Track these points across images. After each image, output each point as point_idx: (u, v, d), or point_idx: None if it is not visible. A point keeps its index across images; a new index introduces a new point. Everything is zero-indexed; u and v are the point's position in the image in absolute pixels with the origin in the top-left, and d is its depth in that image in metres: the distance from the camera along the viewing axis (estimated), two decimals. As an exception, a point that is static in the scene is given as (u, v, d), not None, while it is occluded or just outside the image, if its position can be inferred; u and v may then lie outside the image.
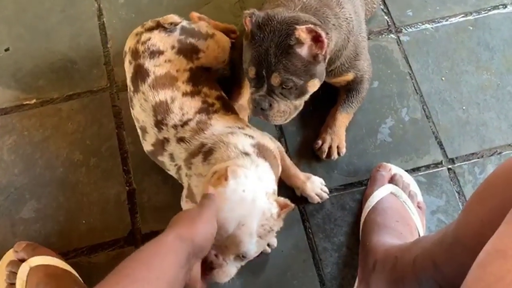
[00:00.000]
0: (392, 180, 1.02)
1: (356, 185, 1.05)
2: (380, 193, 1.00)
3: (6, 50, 1.21)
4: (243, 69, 0.85)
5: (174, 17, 0.93)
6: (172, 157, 0.84)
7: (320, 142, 1.03)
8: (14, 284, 0.91)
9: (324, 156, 1.03)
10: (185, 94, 0.87)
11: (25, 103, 1.15)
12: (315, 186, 1.00)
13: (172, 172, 0.88)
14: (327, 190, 1.03)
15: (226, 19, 1.22)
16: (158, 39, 0.90)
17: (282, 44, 0.79)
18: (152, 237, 0.96)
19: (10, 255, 0.96)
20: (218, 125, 0.83)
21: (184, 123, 0.83)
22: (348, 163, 1.05)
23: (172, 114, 0.83)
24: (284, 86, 0.82)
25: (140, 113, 0.88)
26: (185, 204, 0.88)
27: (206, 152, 0.79)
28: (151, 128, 0.86)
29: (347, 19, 0.90)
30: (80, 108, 1.12)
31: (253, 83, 0.84)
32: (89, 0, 1.26)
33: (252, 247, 0.67)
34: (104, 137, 1.09)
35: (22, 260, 0.93)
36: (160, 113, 0.84)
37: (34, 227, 1.02)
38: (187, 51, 0.91)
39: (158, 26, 0.93)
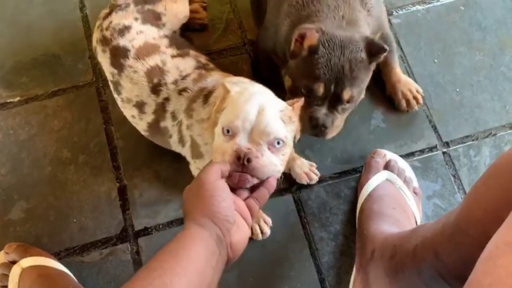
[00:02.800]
0: (387, 166, 1.01)
1: (350, 173, 1.04)
2: (375, 180, 0.98)
3: (-14, 47, 1.18)
4: (297, 85, 0.83)
5: None
6: (173, 115, 0.84)
7: (402, 99, 1.03)
8: (6, 286, 0.89)
9: (415, 107, 1.05)
10: (174, 56, 0.88)
11: (8, 101, 1.12)
12: (304, 165, 0.99)
13: (174, 136, 0.87)
14: (317, 172, 1.02)
15: (212, 5, 1.19)
16: (119, 18, 0.92)
17: (354, 60, 0.80)
18: (145, 234, 1.02)
19: (0, 257, 0.93)
20: (217, 75, 0.85)
21: (184, 77, 0.85)
22: (342, 150, 1.04)
23: (169, 73, 0.85)
24: (349, 101, 0.82)
25: (132, 89, 0.87)
26: (196, 170, 0.88)
27: (205, 95, 0.79)
28: (148, 97, 0.86)
29: (372, 7, 0.91)
30: (66, 104, 1.10)
31: (315, 101, 0.83)
32: (71, -8, 1.23)
33: (280, 128, 0.66)
34: (92, 133, 1.07)
35: (14, 262, 0.91)
36: (155, 76, 0.85)
37: (24, 228, 1.00)
38: (151, 18, 0.92)
39: (112, 9, 0.94)
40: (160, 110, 0.86)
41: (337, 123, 0.85)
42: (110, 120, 1.08)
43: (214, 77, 0.85)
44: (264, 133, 0.65)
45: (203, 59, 0.93)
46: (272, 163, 0.66)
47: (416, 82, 1.12)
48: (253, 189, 0.68)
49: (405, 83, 1.05)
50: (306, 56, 0.81)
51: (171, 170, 1.03)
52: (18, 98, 1.12)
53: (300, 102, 0.72)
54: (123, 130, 1.06)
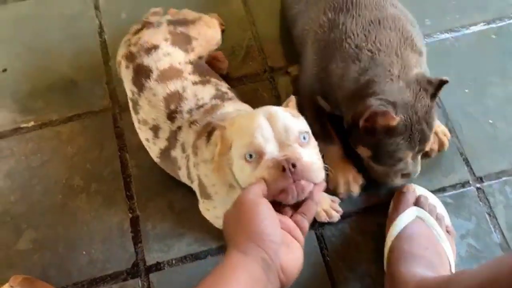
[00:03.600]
0: (417, 202, 0.93)
1: (377, 208, 0.96)
2: (405, 218, 0.90)
3: (4, 70, 1.15)
4: (379, 158, 0.85)
5: (154, 9, 0.95)
6: (183, 146, 0.80)
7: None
8: (11, 321, 0.83)
9: (434, 153, 1.00)
10: (195, 83, 0.85)
11: (22, 126, 1.08)
12: (324, 201, 0.92)
13: (182, 170, 0.83)
14: (340, 209, 0.95)
15: (232, 31, 1.16)
16: (148, 36, 0.88)
17: (427, 114, 0.80)
18: (157, 269, 0.95)
19: (5, 291, 0.88)
20: (230, 107, 0.81)
21: (199, 107, 0.81)
22: (368, 184, 0.96)
23: (186, 100, 0.82)
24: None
25: (150, 111, 0.84)
26: (205, 211, 0.85)
27: (209, 132, 0.75)
28: (164, 122, 0.83)
29: (421, 45, 0.91)
30: (80, 130, 1.06)
31: (402, 164, 0.86)
32: (90, 17, 1.20)
33: (296, 122, 0.65)
34: (106, 161, 1.02)
35: (19, 296, 0.85)
36: (173, 102, 0.82)
37: (31, 259, 0.95)
38: (181, 42, 0.89)
39: (144, 25, 0.91)
40: (173, 138, 0.83)
41: (419, 162, 0.89)
42: (125, 147, 1.04)
43: (226, 109, 0.80)
44: (288, 132, 0.61)
45: (223, 87, 0.89)
46: (313, 158, 0.62)
47: (447, 114, 1.06)
48: (297, 206, 0.63)
49: (438, 127, 0.99)
50: (383, 136, 0.80)
51: (186, 201, 0.96)
52: (32, 123, 1.09)
53: (292, 101, 0.70)
54: (138, 158, 1.01)
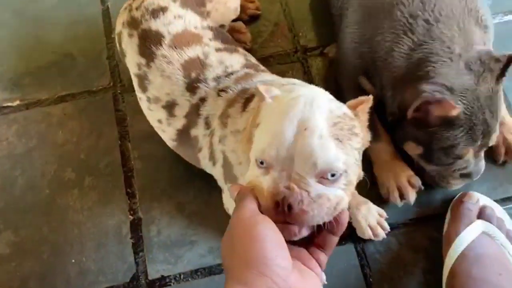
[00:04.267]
0: (482, 214, 0.79)
1: (431, 220, 0.83)
2: (469, 234, 0.76)
3: (-13, 40, 1.03)
4: (432, 154, 0.75)
5: None
6: (207, 121, 0.72)
7: (501, 145, 0.86)
8: None
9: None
10: (218, 50, 0.75)
11: (6, 105, 0.95)
12: (371, 215, 0.80)
13: (204, 151, 0.74)
14: (387, 226, 0.81)
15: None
16: None
17: (492, 102, 0.71)
18: (162, 285, 0.80)
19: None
20: (268, 76, 0.72)
21: (229, 74, 0.73)
22: (421, 191, 0.83)
23: (211, 68, 0.73)
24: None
25: (163, 84, 0.74)
26: (230, 202, 0.76)
27: (247, 99, 0.66)
28: (182, 95, 0.73)
29: (488, 21, 0.80)
30: (74, 112, 0.94)
31: (461, 161, 0.76)
32: (91, -20, 1.09)
33: (331, 154, 0.48)
34: (104, 150, 0.90)
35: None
36: (194, 70, 0.73)
37: (8, 266, 0.82)
38: (193, 3, 0.79)
39: None
40: (193, 113, 0.73)
41: (482, 159, 0.78)
42: (127, 135, 0.91)
43: (265, 77, 0.71)
44: (308, 164, 0.48)
45: (253, 59, 0.79)
46: (327, 200, 0.49)
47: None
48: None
49: (510, 127, 0.86)
50: (438, 127, 0.72)
51: (199, 202, 0.85)
52: (17, 102, 0.96)
53: (366, 103, 0.55)
54: (143, 149, 0.89)
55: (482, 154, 0.77)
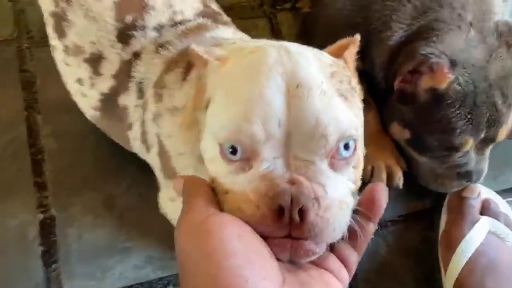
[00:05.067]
0: (485, 209, 0.70)
1: (422, 216, 0.75)
2: (476, 236, 0.66)
3: None
4: (424, 140, 0.68)
5: None
6: (140, 87, 0.62)
7: None
8: None
9: None
10: None
11: None
12: None
13: (135, 129, 0.64)
14: None
15: None
16: None
17: (505, 82, 0.65)
18: None
19: None
20: (228, 32, 0.62)
21: (176, 24, 0.63)
22: (411, 182, 0.74)
23: (153, 11, 0.62)
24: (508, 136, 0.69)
25: (88, 28, 0.64)
26: (167, 203, 0.64)
27: (189, 63, 0.56)
28: (111, 46, 0.63)
29: None
30: None
31: (458, 154, 0.68)
32: None
33: (342, 116, 0.38)
34: (4, 124, 0.75)
35: None
36: (130, 12, 0.63)
37: None
38: None
39: None
40: (124, 73, 0.62)
41: (486, 160, 0.71)
42: (36, 105, 0.76)
43: (221, 33, 0.61)
44: (314, 138, 0.37)
45: (215, 5, 0.67)
46: (348, 193, 0.39)
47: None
48: None
49: None
50: (430, 102, 0.65)
51: (134, 196, 0.72)
52: None
53: (352, 45, 0.45)
54: (58, 123, 0.74)
55: (487, 152, 0.70)
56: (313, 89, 0.37)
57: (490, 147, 0.68)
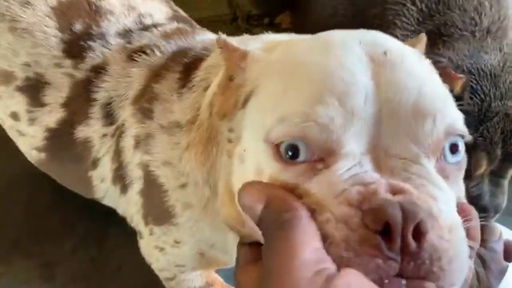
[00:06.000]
0: (509, 254, 0.60)
1: None
2: None
3: None
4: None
5: None
6: (109, 110, 0.51)
7: None
8: None
9: None
10: None
11: None
12: None
13: (103, 165, 0.53)
14: None
15: None
16: None
17: None
18: None
19: None
20: (210, 36, 0.53)
21: (146, 28, 0.53)
22: None
23: (112, 16, 0.53)
24: None
25: (18, 44, 0.53)
26: (153, 252, 0.52)
27: (187, 65, 0.47)
28: (56, 66, 0.52)
29: None
30: None
31: (473, 183, 0.61)
32: None
33: (446, 94, 0.29)
34: None
35: None
36: (77, 18, 0.53)
37: None
38: None
39: None
40: (81, 97, 0.51)
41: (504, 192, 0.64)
42: None
43: (211, 37, 0.53)
44: (420, 114, 0.27)
45: (182, 11, 0.60)
46: (456, 216, 0.28)
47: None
48: None
49: None
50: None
51: (81, 262, 0.60)
52: None
53: (419, 44, 0.37)
54: None
55: (505, 183, 0.63)
56: (406, 54, 0.29)
57: (509, 174, 0.62)
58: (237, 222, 0.34)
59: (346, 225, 0.26)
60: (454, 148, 0.29)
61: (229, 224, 0.35)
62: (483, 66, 0.60)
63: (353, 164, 0.27)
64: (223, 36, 0.36)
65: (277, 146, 0.29)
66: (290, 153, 0.29)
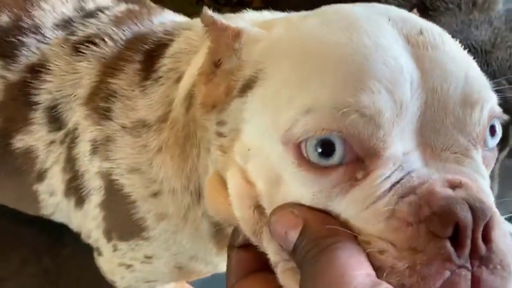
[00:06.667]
0: None
1: None
2: None
3: None
4: None
5: None
6: (54, 114, 0.45)
7: None
8: None
9: None
10: None
11: None
12: None
13: (51, 178, 0.46)
14: None
15: None
16: None
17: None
18: None
19: None
20: (177, 16, 0.49)
21: (94, 12, 0.47)
22: None
23: (46, 4, 0.47)
24: None
25: None
26: (117, 270, 0.47)
27: (150, 52, 0.42)
28: None
29: None
30: None
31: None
32: None
33: (483, 78, 0.28)
34: None
35: None
36: (2, 9, 0.46)
37: None
38: None
39: None
40: (16, 102, 0.45)
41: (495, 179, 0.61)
42: None
43: (170, 18, 0.47)
44: (469, 101, 0.25)
45: None
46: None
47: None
48: None
49: None
50: None
51: (29, 277, 0.53)
52: None
53: None
54: None
55: (497, 167, 0.62)
56: (443, 33, 0.27)
57: (501, 157, 0.60)
58: (227, 213, 0.30)
59: (414, 250, 0.22)
60: (492, 131, 0.27)
61: (218, 212, 0.31)
62: (473, 43, 0.58)
63: (394, 170, 0.24)
64: (209, 12, 0.30)
65: (299, 147, 0.25)
66: (320, 150, 0.24)
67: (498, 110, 0.27)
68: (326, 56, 0.26)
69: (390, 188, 0.23)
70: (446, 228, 0.22)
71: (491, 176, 0.59)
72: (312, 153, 0.24)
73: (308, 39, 0.27)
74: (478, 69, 0.28)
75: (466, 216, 0.22)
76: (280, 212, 0.25)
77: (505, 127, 0.54)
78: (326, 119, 0.24)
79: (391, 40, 0.25)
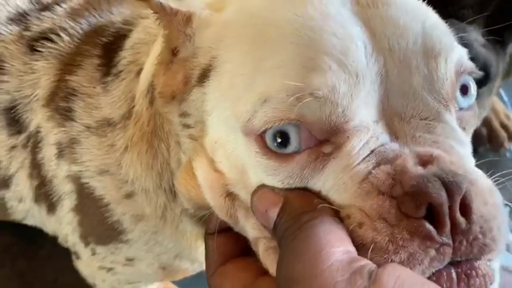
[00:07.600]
0: None
1: None
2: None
3: None
4: None
5: None
6: (14, 117, 0.42)
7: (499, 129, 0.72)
8: None
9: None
10: None
11: None
12: None
13: (18, 184, 0.44)
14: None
15: None
16: None
17: None
18: None
19: None
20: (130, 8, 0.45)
21: (51, 5, 0.44)
22: None
23: None
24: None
25: None
26: (98, 274, 0.45)
27: (107, 47, 0.40)
28: None
29: None
30: None
31: None
32: None
33: (444, 28, 0.26)
34: None
35: None
36: None
37: None
38: None
39: None
40: None
41: None
42: None
43: (123, 9, 0.44)
44: (431, 53, 0.24)
45: None
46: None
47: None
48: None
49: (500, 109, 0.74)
50: None
51: (9, 280, 0.51)
52: None
53: None
54: None
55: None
56: None
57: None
58: (199, 198, 0.29)
59: (386, 222, 0.22)
60: (464, 89, 0.25)
61: (191, 197, 0.31)
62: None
63: (369, 137, 0.23)
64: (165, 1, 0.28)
65: (261, 137, 0.24)
66: (278, 141, 0.24)
67: (470, 65, 0.26)
68: (274, 38, 0.25)
69: (368, 155, 0.23)
70: (418, 209, 0.22)
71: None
72: (271, 143, 0.24)
73: (256, 20, 0.26)
74: (437, 17, 0.26)
75: (439, 194, 0.21)
76: (262, 190, 0.25)
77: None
78: (283, 109, 0.23)
79: (337, 6, 0.24)
